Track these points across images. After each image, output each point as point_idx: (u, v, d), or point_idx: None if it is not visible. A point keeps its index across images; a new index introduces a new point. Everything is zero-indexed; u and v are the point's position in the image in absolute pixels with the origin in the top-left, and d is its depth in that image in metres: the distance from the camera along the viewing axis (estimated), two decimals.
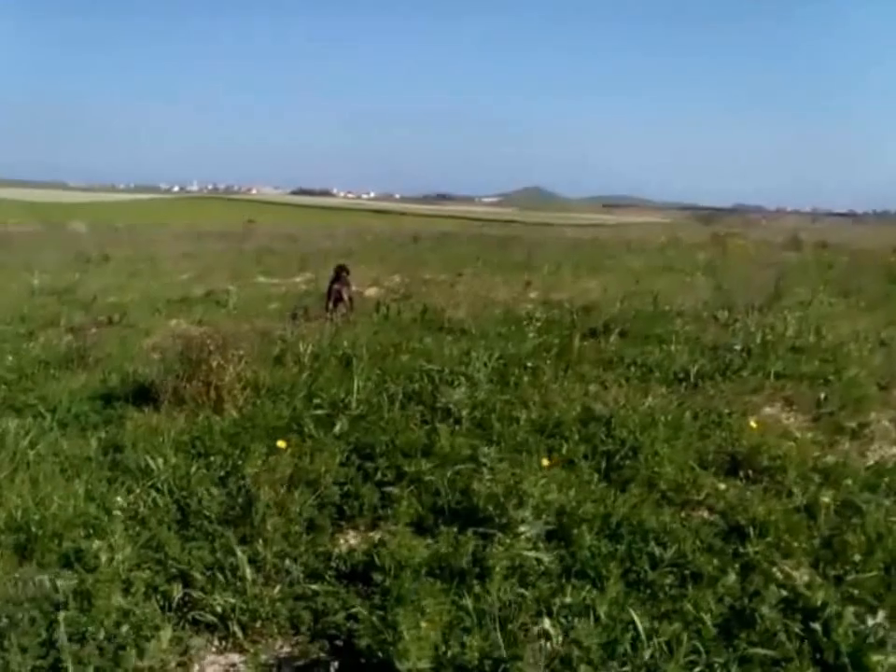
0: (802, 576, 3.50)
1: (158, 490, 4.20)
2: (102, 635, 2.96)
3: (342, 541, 3.91)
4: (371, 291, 13.23)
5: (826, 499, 4.06)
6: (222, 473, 4.47)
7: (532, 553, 3.39)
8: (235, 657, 3.04)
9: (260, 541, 3.61)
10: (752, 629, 2.98)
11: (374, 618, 2.94)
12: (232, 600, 3.19)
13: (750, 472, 4.65)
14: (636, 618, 2.89)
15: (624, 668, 2.72)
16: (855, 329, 9.16)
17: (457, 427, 5.27)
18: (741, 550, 3.67)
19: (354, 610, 3.11)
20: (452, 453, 4.71)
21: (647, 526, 3.83)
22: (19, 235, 30.24)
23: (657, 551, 3.58)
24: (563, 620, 3.00)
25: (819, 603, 3.04)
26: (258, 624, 3.14)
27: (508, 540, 3.49)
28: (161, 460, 4.44)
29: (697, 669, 2.77)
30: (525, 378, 6.56)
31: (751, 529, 3.80)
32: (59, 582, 3.16)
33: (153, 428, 5.07)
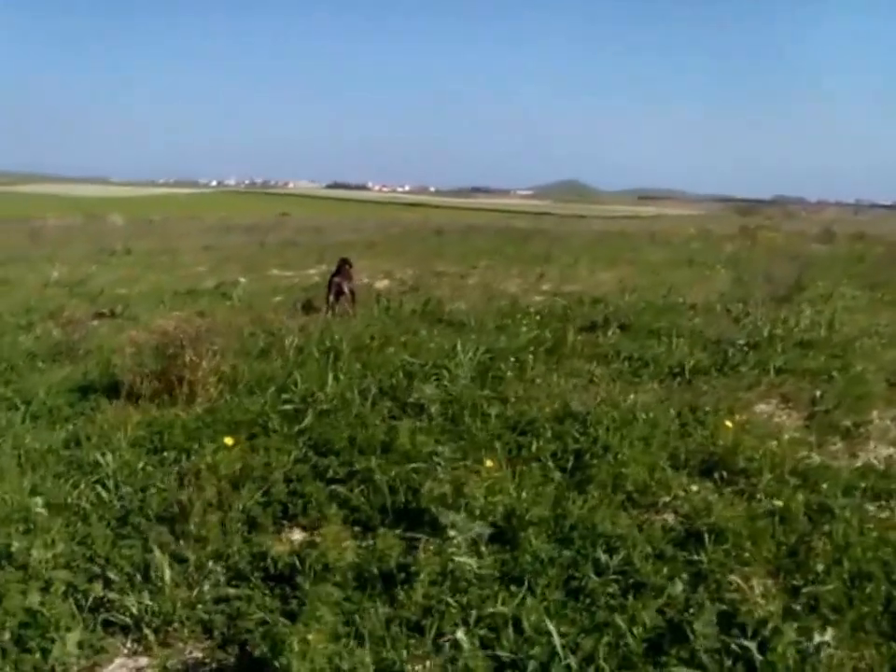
0: (757, 587, 3.23)
1: (104, 486, 4.11)
2: (6, 636, 2.89)
3: (282, 541, 3.77)
4: (383, 284, 13.13)
5: (795, 504, 3.79)
6: (175, 469, 4.38)
7: (463, 559, 3.20)
8: (144, 661, 2.92)
9: (191, 541, 3.50)
10: (685, 646, 2.75)
11: (279, 626, 2.79)
12: (149, 602, 3.08)
13: (725, 474, 4.38)
14: (552, 630, 2.68)
15: None
16: (873, 323, 8.76)
17: (427, 424, 5.10)
18: (695, 557, 3.43)
19: (268, 616, 2.97)
20: (412, 450, 4.55)
21: (599, 531, 3.61)
22: (53, 229, 30.91)
23: (604, 557, 3.36)
24: (483, 630, 2.82)
25: (758, 618, 2.80)
26: (171, 628, 3.02)
27: (439, 543, 3.31)
28: (110, 455, 4.36)
29: None
30: (510, 373, 6.36)
31: (709, 535, 3.56)
32: None
33: (113, 423, 4.99)
